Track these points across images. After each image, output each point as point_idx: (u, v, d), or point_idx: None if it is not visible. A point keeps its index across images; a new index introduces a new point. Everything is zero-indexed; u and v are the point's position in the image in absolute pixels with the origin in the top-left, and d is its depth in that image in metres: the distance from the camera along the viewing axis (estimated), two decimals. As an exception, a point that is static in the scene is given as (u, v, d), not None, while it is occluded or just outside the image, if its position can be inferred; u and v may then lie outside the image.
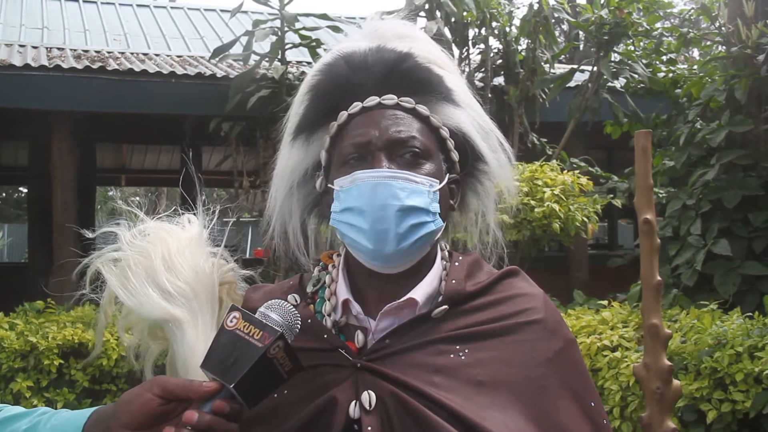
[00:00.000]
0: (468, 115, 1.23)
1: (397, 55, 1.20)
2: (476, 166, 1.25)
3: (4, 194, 22.95)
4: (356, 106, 1.17)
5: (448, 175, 1.20)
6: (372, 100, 1.17)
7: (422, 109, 1.18)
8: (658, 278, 2.88)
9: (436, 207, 1.14)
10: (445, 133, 1.20)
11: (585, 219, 5.85)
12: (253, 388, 1.02)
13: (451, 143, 1.21)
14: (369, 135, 1.14)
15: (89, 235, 1.32)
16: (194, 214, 1.35)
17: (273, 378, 1.03)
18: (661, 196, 6.11)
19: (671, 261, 5.48)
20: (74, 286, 1.31)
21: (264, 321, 1.03)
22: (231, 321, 1.03)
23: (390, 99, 1.17)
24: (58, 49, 8.86)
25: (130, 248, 1.28)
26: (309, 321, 1.17)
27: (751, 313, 4.23)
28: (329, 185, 1.19)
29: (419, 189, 1.12)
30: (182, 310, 1.22)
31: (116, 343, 5.23)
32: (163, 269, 1.24)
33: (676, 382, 2.82)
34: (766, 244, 5.28)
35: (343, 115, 1.18)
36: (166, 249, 1.26)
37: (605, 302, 5.33)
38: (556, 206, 5.59)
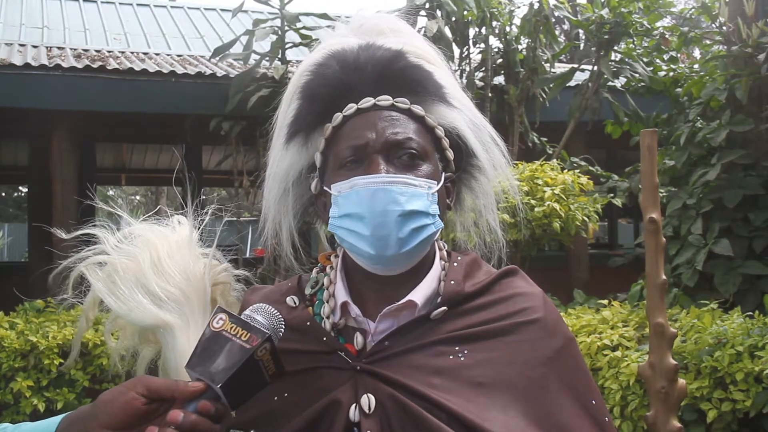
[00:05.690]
0: (461, 113, 1.21)
1: (390, 54, 1.18)
2: (470, 162, 1.24)
3: (3, 194, 22.94)
4: (351, 108, 1.15)
5: (444, 174, 1.19)
6: (367, 102, 1.15)
7: (417, 109, 1.17)
8: (664, 277, 2.86)
9: (435, 209, 1.13)
10: (440, 132, 1.19)
11: (585, 218, 5.85)
12: (237, 390, 1.01)
13: (446, 142, 1.20)
14: (366, 137, 1.13)
15: (64, 236, 1.28)
16: (184, 214, 1.33)
17: (257, 380, 1.02)
18: (661, 195, 6.09)
19: (672, 260, 5.48)
20: (55, 290, 1.27)
21: (251, 323, 1.03)
22: (217, 322, 1.03)
23: (385, 100, 1.15)
24: (58, 48, 8.86)
25: (116, 252, 1.24)
26: (308, 323, 1.16)
27: (751, 313, 4.23)
28: (325, 188, 1.17)
29: (418, 192, 1.11)
30: (174, 315, 1.19)
31: (116, 342, 5.21)
32: (153, 274, 1.21)
33: (681, 381, 2.82)
34: (767, 243, 5.28)
35: (338, 117, 1.16)
36: (155, 252, 1.23)
37: (605, 301, 5.33)
38: (556, 205, 5.59)
